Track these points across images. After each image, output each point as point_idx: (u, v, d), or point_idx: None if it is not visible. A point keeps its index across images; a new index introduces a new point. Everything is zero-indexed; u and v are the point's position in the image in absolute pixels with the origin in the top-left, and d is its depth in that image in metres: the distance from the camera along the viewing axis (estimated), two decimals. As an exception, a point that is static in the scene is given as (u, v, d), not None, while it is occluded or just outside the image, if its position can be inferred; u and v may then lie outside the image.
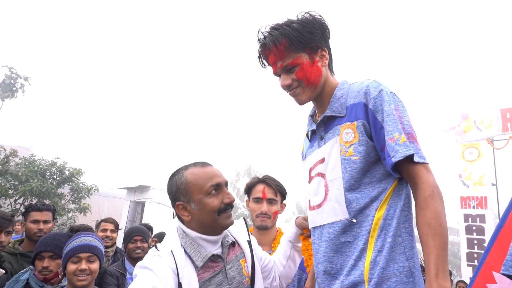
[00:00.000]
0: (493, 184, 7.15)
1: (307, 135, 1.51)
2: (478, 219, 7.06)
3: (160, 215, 14.94)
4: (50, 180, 11.36)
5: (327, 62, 1.35)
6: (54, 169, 11.58)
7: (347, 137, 1.25)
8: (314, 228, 1.38)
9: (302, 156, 1.56)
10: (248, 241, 1.48)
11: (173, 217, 1.39)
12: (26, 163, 11.38)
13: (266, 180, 2.07)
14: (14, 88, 11.91)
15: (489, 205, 7.00)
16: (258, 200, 2.06)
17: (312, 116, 1.49)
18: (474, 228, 7.04)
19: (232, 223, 1.37)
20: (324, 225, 1.29)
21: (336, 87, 1.36)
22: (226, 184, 1.37)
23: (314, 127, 1.41)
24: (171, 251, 1.28)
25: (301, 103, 1.37)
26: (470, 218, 7.16)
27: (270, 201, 2.03)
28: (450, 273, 3.62)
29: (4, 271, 1.97)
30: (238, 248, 1.44)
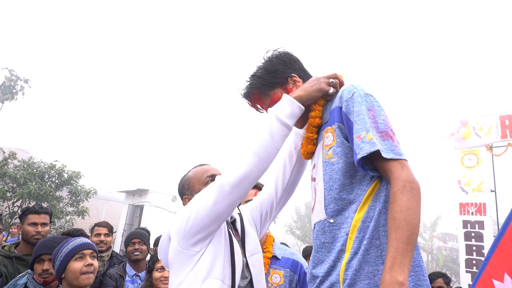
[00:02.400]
0: (492, 191, 7.14)
1: None
2: (477, 225, 7.05)
3: (159, 218, 14.89)
4: (48, 183, 11.33)
5: (301, 82, 1.44)
6: (52, 171, 11.55)
7: (327, 141, 1.30)
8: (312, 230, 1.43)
9: None
10: (238, 213, 1.60)
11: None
12: (25, 166, 11.36)
13: (258, 185, 2.10)
14: (14, 91, 11.91)
15: (488, 211, 6.99)
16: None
17: None
18: (473, 234, 7.02)
19: None
20: (314, 225, 1.34)
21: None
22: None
23: None
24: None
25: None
26: (469, 225, 7.14)
27: None
28: (450, 280, 3.59)
29: None
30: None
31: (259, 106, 1.51)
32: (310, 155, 1.43)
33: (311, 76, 1.49)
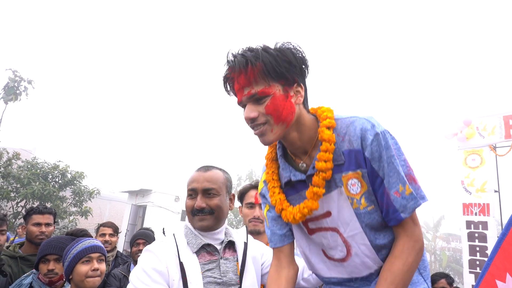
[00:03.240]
0: (495, 191, 7.11)
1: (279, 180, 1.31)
2: (480, 226, 7.02)
3: (161, 218, 14.92)
4: (52, 183, 11.39)
5: (301, 100, 1.17)
6: (56, 172, 11.61)
7: (354, 189, 1.15)
8: (336, 278, 1.31)
9: (266, 201, 1.38)
10: (244, 242, 1.54)
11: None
12: (29, 166, 11.42)
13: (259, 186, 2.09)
14: (17, 91, 12.00)
15: (491, 212, 6.95)
16: (250, 205, 2.11)
17: (286, 157, 1.29)
18: (476, 235, 6.99)
19: (203, 227, 1.43)
20: (355, 278, 1.26)
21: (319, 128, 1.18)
22: (204, 190, 1.44)
23: (300, 176, 1.22)
24: (173, 234, 1.46)
25: (266, 143, 1.17)
26: (472, 225, 7.11)
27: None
28: (453, 281, 3.59)
29: None
30: (237, 251, 1.52)
31: (233, 88, 1.16)
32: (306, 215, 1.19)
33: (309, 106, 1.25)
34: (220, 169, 1.56)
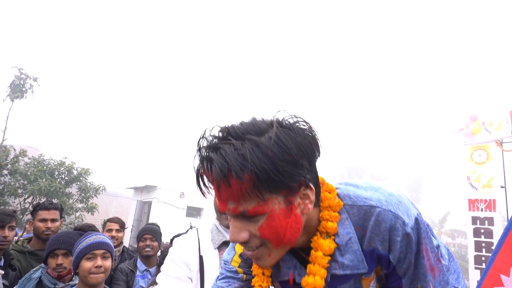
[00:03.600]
0: (502, 187, 7.06)
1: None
2: (486, 221, 6.99)
3: (167, 214, 15.01)
4: (58, 180, 11.49)
5: (311, 207, 0.83)
6: (62, 168, 11.71)
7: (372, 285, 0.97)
8: None
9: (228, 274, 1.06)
10: None
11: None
12: (35, 163, 11.53)
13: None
14: (23, 89, 12.08)
15: (497, 207, 6.92)
16: None
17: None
18: (482, 230, 6.96)
19: (228, 224, 1.46)
20: None
21: (333, 225, 0.87)
22: None
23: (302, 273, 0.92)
24: (196, 229, 1.55)
25: (264, 267, 0.93)
26: (478, 221, 7.08)
27: None
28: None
29: (3, 272, 1.99)
30: None
31: (223, 197, 0.78)
32: None
33: (319, 183, 0.89)
34: None
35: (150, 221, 14.35)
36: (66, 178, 11.79)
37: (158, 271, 2.65)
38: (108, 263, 1.98)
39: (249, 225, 0.79)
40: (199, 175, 0.79)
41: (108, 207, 19.66)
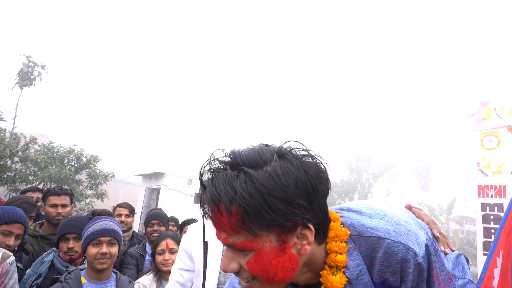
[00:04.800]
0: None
1: None
2: (496, 208, 6.94)
3: (175, 201, 15.18)
4: (68, 167, 11.66)
5: (309, 248, 0.78)
6: (72, 156, 11.87)
7: None
8: None
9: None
10: None
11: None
12: (45, 150, 11.69)
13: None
14: (32, 77, 12.16)
15: (507, 194, 6.85)
16: None
17: None
18: (491, 217, 6.92)
19: None
20: None
21: (342, 258, 0.82)
22: None
23: None
24: (203, 215, 1.55)
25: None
26: (487, 207, 7.04)
27: None
28: (468, 261, 3.56)
29: (11, 255, 2.03)
30: None
31: (216, 223, 0.77)
32: None
33: (329, 219, 0.85)
34: None
35: (158, 208, 14.53)
36: (76, 165, 11.95)
37: (153, 259, 2.70)
38: (114, 249, 2.00)
39: (239, 257, 0.77)
40: (200, 197, 0.78)
41: (117, 193, 19.94)
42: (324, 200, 0.80)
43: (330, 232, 0.83)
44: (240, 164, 0.74)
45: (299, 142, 0.81)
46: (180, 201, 15.53)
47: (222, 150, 0.78)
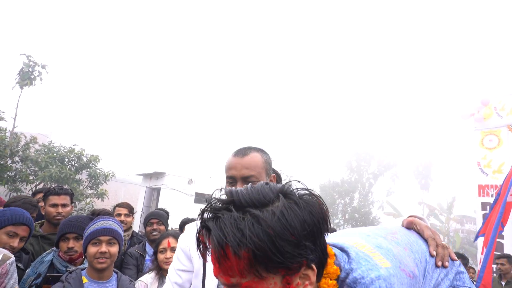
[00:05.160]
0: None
1: None
2: (496, 207, 6.93)
3: (175, 201, 15.18)
4: (68, 166, 11.67)
5: (313, 283, 0.78)
6: (72, 155, 11.88)
7: None
8: None
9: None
10: None
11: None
12: (46, 150, 11.70)
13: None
14: (32, 76, 12.15)
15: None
16: None
17: None
18: (492, 216, 6.91)
19: None
20: None
21: None
22: (243, 178, 1.39)
23: None
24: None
25: None
26: (488, 206, 7.02)
27: None
28: (467, 261, 3.59)
29: (11, 256, 2.04)
30: None
31: (217, 266, 0.75)
32: None
33: (327, 255, 0.84)
34: (258, 150, 1.47)
35: (159, 207, 14.55)
36: (76, 165, 11.96)
37: (155, 257, 2.71)
38: (114, 249, 1.99)
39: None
40: (199, 238, 0.76)
41: (117, 193, 19.94)
42: (325, 237, 0.80)
43: (325, 269, 0.83)
44: (244, 205, 0.72)
45: (298, 181, 0.81)
46: (181, 200, 15.54)
47: (221, 189, 0.77)
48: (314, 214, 0.75)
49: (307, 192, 0.78)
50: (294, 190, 0.78)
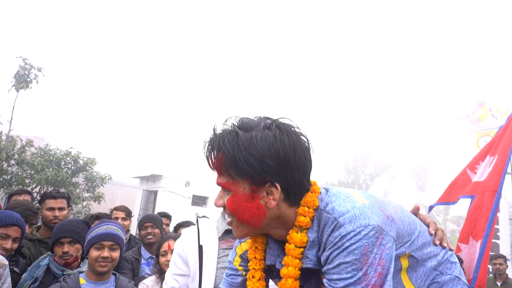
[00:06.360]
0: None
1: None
2: (492, 208, 6.98)
3: (172, 203, 15.14)
4: (65, 169, 11.61)
5: (274, 203, 0.95)
6: (68, 158, 11.82)
7: None
8: None
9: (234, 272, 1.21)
10: None
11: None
12: (42, 153, 11.65)
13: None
14: (28, 79, 12.10)
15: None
16: None
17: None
18: (488, 217, 6.97)
19: None
20: None
21: (305, 220, 0.97)
22: None
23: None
24: (197, 219, 1.58)
25: (236, 237, 1.08)
26: (483, 208, 7.07)
27: None
28: (462, 262, 3.59)
29: (5, 263, 2.05)
30: None
31: (212, 167, 1.00)
32: None
33: (305, 188, 1.00)
34: None
35: (156, 210, 14.50)
36: (73, 167, 11.90)
37: (157, 260, 2.71)
38: (115, 254, 2.03)
39: (224, 196, 0.99)
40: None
41: (114, 196, 19.86)
42: (300, 171, 0.97)
43: (304, 200, 0.99)
44: (240, 127, 0.97)
45: (291, 120, 1.01)
46: (178, 203, 15.50)
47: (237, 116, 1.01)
48: (284, 144, 0.94)
49: (297, 131, 0.99)
50: (285, 126, 0.98)
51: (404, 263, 1.05)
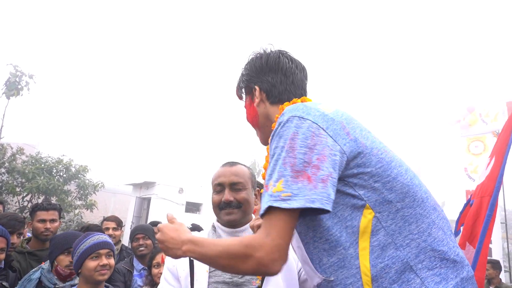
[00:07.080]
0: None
1: None
2: (483, 212, 7.05)
3: (166, 210, 14.99)
4: (56, 177, 11.47)
5: (257, 100, 1.23)
6: (60, 166, 11.69)
7: None
8: None
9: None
10: None
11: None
12: (33, 161, 11.49)
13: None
14: (19, 86, 11.97)
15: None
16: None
17: None
18: (479, 221, 7.03)
19: (230, 221, 1.45)
20: None
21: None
22: (232, 184, 1.46)
23: None
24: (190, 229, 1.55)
25: (262, 143, 1.30)
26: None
27: None
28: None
29: None
30: None
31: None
32: None
33: (299, 93, 1.23)
34: (244, 165, 1.58)
35: (149, 217, 14.38)
36: (64, 175, 11.77)
37: (149, 272, 2.68)
38: (112, 261, 2.06)
39: (243, 104, 1.35)
40: None
41: (107, 204, 19.67)
42: (278, 76, 1.21)
43: (284, 105, 1.18)
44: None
45: (288, 51, 1.29)
46: (171, 210, 15.40)
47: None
48: (267, 63, 1.24)
49: (292, 60, 1.26)
50: (283, 53, 1.26)
51: (364, 223, 0.92)
